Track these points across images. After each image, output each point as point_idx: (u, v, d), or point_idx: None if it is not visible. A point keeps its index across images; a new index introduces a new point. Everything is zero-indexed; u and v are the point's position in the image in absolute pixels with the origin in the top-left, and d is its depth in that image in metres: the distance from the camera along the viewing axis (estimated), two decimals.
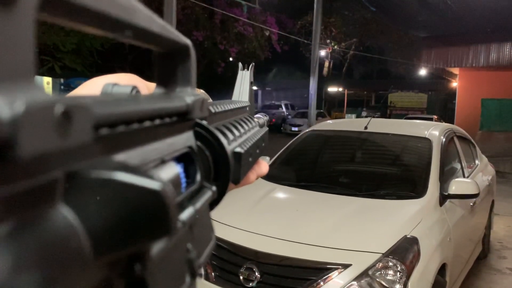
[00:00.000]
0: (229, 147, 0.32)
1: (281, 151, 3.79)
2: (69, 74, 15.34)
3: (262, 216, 2.73)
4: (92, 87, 0.34)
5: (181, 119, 0.26)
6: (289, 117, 23.30)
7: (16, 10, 0.13)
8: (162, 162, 0.23)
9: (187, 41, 0.28)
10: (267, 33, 17.89)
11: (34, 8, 0.13)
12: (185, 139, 0.27)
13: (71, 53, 14.28)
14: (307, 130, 4.11)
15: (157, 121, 0.22)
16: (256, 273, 2.27)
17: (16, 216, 0.13)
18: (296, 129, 19.54)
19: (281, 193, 3.15)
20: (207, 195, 0.28)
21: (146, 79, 0.39)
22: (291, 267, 2.26)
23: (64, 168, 0.15)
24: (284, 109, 25.30)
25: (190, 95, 0.28)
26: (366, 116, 14.06)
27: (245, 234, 2.48)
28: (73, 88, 0.38)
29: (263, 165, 0.45)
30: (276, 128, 21.70)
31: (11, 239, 0.13)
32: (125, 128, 0.19)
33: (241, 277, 2.29)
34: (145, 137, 0.21)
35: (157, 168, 0.22)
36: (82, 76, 15.35)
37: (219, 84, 18.37)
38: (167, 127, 0.24)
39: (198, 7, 15.09)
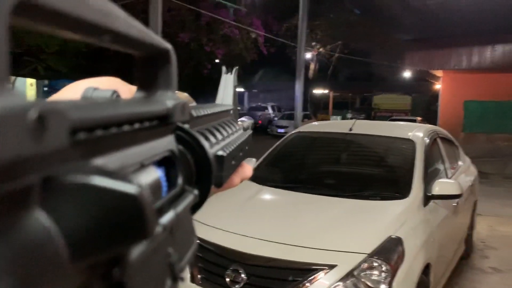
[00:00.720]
0: (211, 150, 0.32)
1: (267, 152, 3.80)
2: (54, 76, 15.13)
3: (248, 217, 2.73)
4: (74, 91, 0.34)
5: (162, 123, 0.26)
6: (275, 119, 23.35)
7: None
8: (142, 166, 0.23)
9: (168, 45, 0.28)
10: (253, 36, 17.92)
11: (7, 13, 0.13)
12: (166, 143, 0.27)
13: (55, 55, 14.09)
14: (293, 132, 4.13)
15: (137, 125, 0.22)
16: (242, 275, 2.27)
17: None
18: (282, 130, 19.58)
19: (267, 194, 3.16)
20: (188, 198, 0.28)
21: (131, 82, 0.39)
22: (277, 269, 2.27)
23: (39, 173, 0.15)
24: (270, 111, 25.35)
25: (171, 98, 0.28)
26: (351, 118, 14.17)
27: (231, 235, 2.48)
28: (58, 90, 0.38)
29: (247, 168, 0.45)
30: (263, 129, 21.73)
31: None
32: (103, 133, 0.19)
33: (227, 279, 2.29)
34: (124, 141, 0.21)
35: (136, 172, 0.22)
36: (68, 78, 15.16)
37: (205, 85, 18.31)
38: (147, 131, 0.24)
39: (184, 9, 15.04)
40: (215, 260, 2.38)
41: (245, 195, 2.97)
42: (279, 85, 31.49)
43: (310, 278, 2.19)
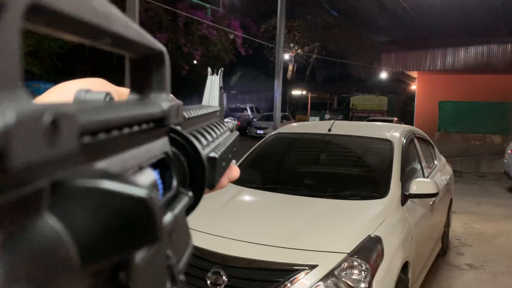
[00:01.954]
0: (203, 152, 0.32)
1: (247, 154, 3.80)
2: (27, 77, 14.79)
3: (228, 219, 2.72)
4: (61, 93, 0.33)
5: (157, 125, 0.26)
6: (254, 120, 23.36)
7: (2, 19, 0.13)
8: (140, 169, 0.23)
9: (161, 47, 0.27)
10: (231, 36, 17.90)
11: (20, 17, 0.13)
12: (161, 145, 0.27)
13: (28, 55, 13.77)
14: (273, 133, 4.14)
15: (136, 128, 0.22)
16: (224, 277, 2.26)
17: (4, 227, 0.13)
18: (261, 132, 19.61)
19: (247, 196, 3.15)
20: (184, 201, 0.27)
21: (111, 83, 0.38)
22: (258, 270, 2.26)
23: (50, 177, 0.15)
24: (249, 112, 25.35)
25: (166, 101, 0.28)
26: (329, 119, 14.28)
27: (212, 238, 2.47)
28: (31, 92, 0.37)
29: (235, 169, 0.45)
30: (242, 131, 21.69)
31: (1, 250, 0.12)
32: (105, 136, 0.19)
33: (208, 282, 2.28)
34: (123, 144, 0.21)
35: (136, 175, 0.22)
36: (41, 79, 14.83)
37: (183, 87, 18.19)
38: (144, 133, 0.24)
39: (161, 9, 14.92)
40: (195, 263, 2.36)
41: (225, 197, 2.96)
42: (258, 86, 31.55)
43: (291, 279, 2.19)
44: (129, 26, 0.22)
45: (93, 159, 0.18)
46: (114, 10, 0.20)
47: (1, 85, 0.13)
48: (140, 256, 0.19)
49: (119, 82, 0.44)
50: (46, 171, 0.14)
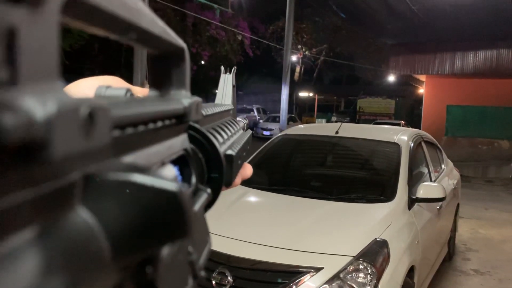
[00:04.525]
0: (221, 150, 0.32)
1: (253, 155, 3.80)
2: None
3: (234, 220, 2.72)
4: (79, 89, 0.33)
5: (179, 121, 0.26)
6: (261, 121, 23.36)
7: (42, 13, 0.13)
8: (162, 164, 0.23)
9: (183, 44, 0.28)
10: (239, 37, 17.92)
11: (58, 11, 0.14)
12: (181, 142, 0.27)
13: None
14: (279, 135, 4.13)
15: (159, 124, 0.22)
16: (229, 278, 2.26)
17: (41, 219, 0.13)
18: (268, 133, 19.60)
19: (253, 197, 3.15)
20: (203, 197, 0.27)
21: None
22: (264, 271, 2.26)
23: (83, 169, 0.15)
24: (255, 113, 25.34)
25: (186, 97, 0.28)
26: (336, 121, 14.24)
27: (217, 238, 2.47)
28: None
29: (248, 167, 0.45)
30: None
31: (38, 242, 0.13)
32: (133, 130, 0.19)
33: (213, 282, 2.28)
34: (148, 139, 0.21)
35: (160, 170, 0.22)
36: None
37: (191, 87, 18.22)
38: (166, 129, 0.24)
39: (169, 9, 14.97)
40: None
41: (231, 197, 2.96)
42: (264, 87, 31.54)
43: (296, 281, 2.18)
44: (155, 22, 0.22)
45: (122, 153, 0.18)
46: (142, 5, 0.20)
47: (41, 77, 0.13)
48: (165, 251, 0.19)
49: (127, 81, 0.45)
50: (81, 164, 0.14)
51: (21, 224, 0.12)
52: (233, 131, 0.42)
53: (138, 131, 0.19)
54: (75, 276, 0.13)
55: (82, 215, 0.15)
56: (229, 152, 0.34)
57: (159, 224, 0.16)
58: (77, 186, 0.15)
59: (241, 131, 0.47)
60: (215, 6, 15.53)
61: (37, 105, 0.12)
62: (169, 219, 0.17)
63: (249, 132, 0.52)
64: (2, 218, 0.12)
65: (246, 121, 0.58)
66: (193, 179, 0.28)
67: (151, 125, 0.21)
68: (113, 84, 0.34)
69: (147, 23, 0.21)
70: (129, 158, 0.19)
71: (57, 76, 0.14)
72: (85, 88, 0.33)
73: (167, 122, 0.24)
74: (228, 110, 0.47)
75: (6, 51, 0.12)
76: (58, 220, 0.14)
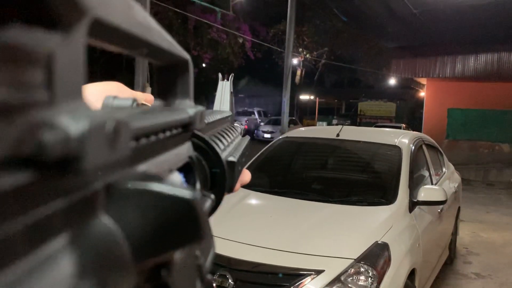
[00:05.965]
0: (223, 156, 0.33)
1: (254, 157, 3.80)
2: None
3: (235, 222, 2.72)
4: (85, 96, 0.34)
5: (184, 130, 0.28)
6: (262, 124, 23.36)
7: (73, 36, 0.14)
8: (170, 172, 0.24)
9: (187, 56, 0.29)
10: (240, 40, 17.95)
11: (86, 33, 0.15)
12: (186, 150, 0.28)
13: None
14: (280, 137, 4.14)
15: (168, 133, 0.24)
16: (230, 280, 2.26)
17: (72, 226, 0.14)
18: (269, 136, 19.60)
19: (254, 199, 3.15)
20: (207, 203, 0.29)
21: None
22: (264, 274, 2.26)
23: (106, 179, 0.16)
24: (256, 116, 25.35)
25: (191, 107, 0.29)
26: (337, 124, 14.24)
27: (218, 240, 2.47)
28: None
29: (246, 173, 0.46)
30: (249, 134, 21.61)
31: (71, 248, 0.13)
32: (146, 141, 0.20)
33: (214, 284, 2.28)
34: (159, 149, 0.22)
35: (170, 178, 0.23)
36: None
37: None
38: (174, 138, 0.25)
39: (171, 12, 15.01)
40: None
41: (232, 200, 2.96)
42: (265, 90, 31.59)
43: (297, 284, 2.18)
44: (163, 37, 0.23)
45: (137, 163, 0.19)
46: (152, 22, 0.22)
47: (72, 95, 0.14)
48: (178, 255, 0.20)
49: (128, 84, 0.45)
50: (104, 174, 0.15)
51: (56, 231, 0.13)
52: (232, 137, 0.43)
53: (150, 141, 0.20)
54: (102, 280, 0.14)
55: (106, 222, 0.16)
56: (231, 158, 0.35)
57: (175, 229, 0.18)
58: (101, 195, 0.16)
59: (240, 137, 0.48)
60: (217, 9, 15.57)
61: (71, 122, 0.13)
62: (184, 225, 0.18)
63: (247, 137, 0.53)
64: (42, 226, 0.12)
65: (243, 127, 0.59)
66: (198, 185, 0.29)
67: (161, 135, 0.22)
68: (116, 90, 0.35)
69: (157, 39, 0.22)
70: (142, 167, 0.20)
71: (83, 94, 0.15)
72: (90, 95, 0.33)
73: (174, 131, 0.25)
74: (227, 117, 0.48)
75: (46, 75, 0.13)
76: (86, 227, 0.15)
